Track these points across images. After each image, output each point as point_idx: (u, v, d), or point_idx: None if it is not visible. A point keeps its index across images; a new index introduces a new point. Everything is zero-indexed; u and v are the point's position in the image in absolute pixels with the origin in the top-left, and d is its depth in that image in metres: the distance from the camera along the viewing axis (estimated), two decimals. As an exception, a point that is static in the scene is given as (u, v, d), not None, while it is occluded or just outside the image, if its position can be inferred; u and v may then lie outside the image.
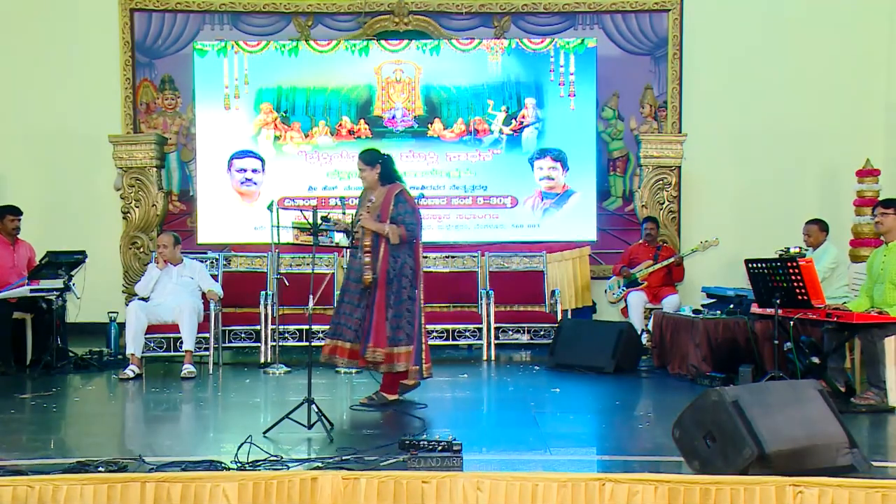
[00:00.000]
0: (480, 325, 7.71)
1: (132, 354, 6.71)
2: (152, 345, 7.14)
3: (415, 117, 8.87)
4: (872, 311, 5.58)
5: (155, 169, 8.76)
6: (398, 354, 5.42)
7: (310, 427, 4.73)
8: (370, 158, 5.61)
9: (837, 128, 8.97)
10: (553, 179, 8.84)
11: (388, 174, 5.59)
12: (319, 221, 5.27)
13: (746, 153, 9.10)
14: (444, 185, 8.85)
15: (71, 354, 7.28)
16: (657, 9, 9.16)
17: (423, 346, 5.56)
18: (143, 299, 7.10)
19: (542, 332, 7.78)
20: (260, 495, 3.65)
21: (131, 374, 6.61)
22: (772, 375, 5.53)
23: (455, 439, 4.04)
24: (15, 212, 7.38)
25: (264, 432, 4.67)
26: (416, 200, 5.69)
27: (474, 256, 8.40)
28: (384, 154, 5.68)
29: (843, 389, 5.74)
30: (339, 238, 5.58)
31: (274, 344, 7.33)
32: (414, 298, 5.52)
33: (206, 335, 7.10)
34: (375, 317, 5.40)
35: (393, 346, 5.41)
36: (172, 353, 7.19)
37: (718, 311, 6.85)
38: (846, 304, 5.88)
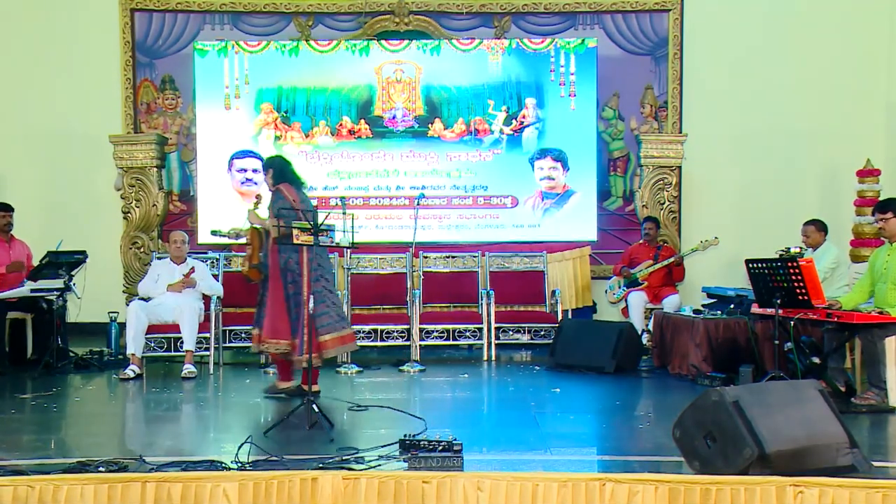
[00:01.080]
0: (481, 325, 7.70)
1: (132, 354, 6.71)
2: (153, 345, 7.15)
3: (415, 117, 8.87)
4: (874, 311, 5.58)
5: (155, 169, 8.76)
6: (296, 344, 5.66)
7: (310, 427, 4.73)
8: (265, 165, 6.19)
9: (838, 128, 8.97)
10: (553, 179, 8.84)
11: (279, 176, 5.93)
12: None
13: (747, 153, 9.09)
14: (444, 185, 8.85)
15: (71, 354, 7.28)
16: (657, 9, 9.16)
17: (305, 337, 5.48)
18: (143, 299, 7.11)
19: (542, 332, 7.77)
20: (260, 495, 3.65)
21: (132, 374, 6.62)
22: (772, 375, 5.53)
23: (455, 439, 4.04)
24: (5, 208, 7.39)
25: (265, 432, 4.68)
26: (303, 197, 5.90)
27: (475, 256, 8.40)
28: (281, 159, 6.16)
29: (843, 389, 5.74)
30: (340, 238, 5.59)
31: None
32: (299, 293, 5.63)
33: (207, 335, 7.11)
34: (271, 310, 5.69)
35: (295, 338, 5.65)
36: (173, 353, 7.19)
37: (719, 311, 6.84)
38: (839, 298, 5.87)
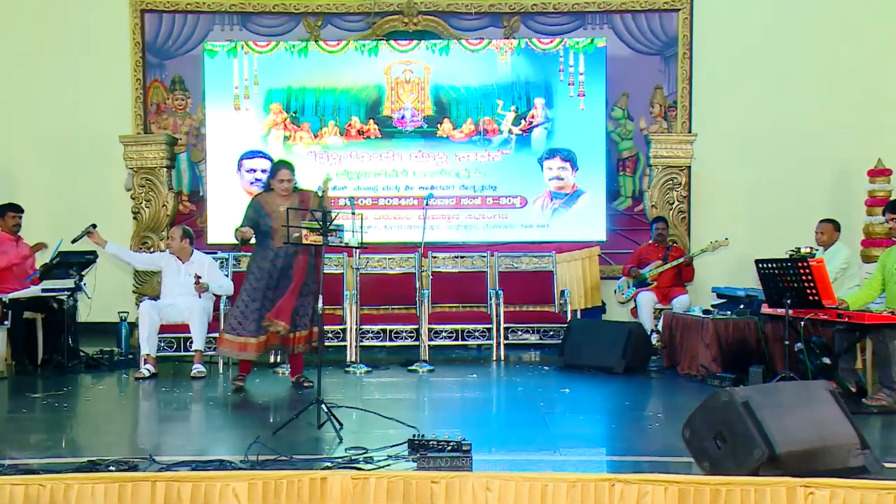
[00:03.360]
0: (490, 326, 7.70)
1: (147, 354, 6.74)
2: (162, 344, 7.17)
3: (424, 117, 8.88)
4: (885, 311, 5.54)
5: (165, 169, 8.79)
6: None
7: (319, 427, 4.74)
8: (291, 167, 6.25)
9: (849, 127, 8.92)
10: (562, 179, 8.83)
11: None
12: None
13: (757, 153, 9.06)
14: (453, 186, 8.85)
15: (82, 354, 7.31)
16: (667, 8, 9.14)
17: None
18: (153, 298, 7.13)
19: (551, 333, 7.76)
20: (269, 495, 3.65)
21: (147, 374, 6.64)
22: (782, 376, 5.51)
23: (464, 439, 4.04)
24: (17, 209, 7.45)
25: (274, 432, 4.68)
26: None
27: (484, 256, 8.40)
28: None
29: (854, 390, 5.71)
30: (349, 238, 5.60)
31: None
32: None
33: (216, 335, 7.10)
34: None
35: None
36: (182, 353, 7.22)
37: (729, 312, 6.82)
38: (846, 298, 5.83)
